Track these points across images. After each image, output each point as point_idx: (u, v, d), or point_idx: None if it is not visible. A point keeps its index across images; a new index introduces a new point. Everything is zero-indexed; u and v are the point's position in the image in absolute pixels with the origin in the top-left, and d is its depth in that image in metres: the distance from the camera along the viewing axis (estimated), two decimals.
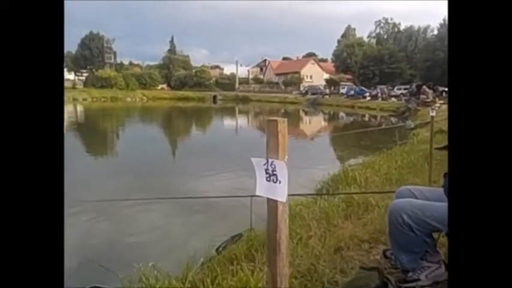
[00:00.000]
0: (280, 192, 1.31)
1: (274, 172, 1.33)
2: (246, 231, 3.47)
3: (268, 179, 1.37)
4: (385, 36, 49.31)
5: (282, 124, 1.30)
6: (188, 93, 49.06)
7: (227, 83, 59.88)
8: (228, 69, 71.72)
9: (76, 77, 57.45)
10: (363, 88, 38.01)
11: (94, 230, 4.63)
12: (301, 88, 49.45)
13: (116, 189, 6.50)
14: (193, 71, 56.92)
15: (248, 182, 6.91)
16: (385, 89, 34.94)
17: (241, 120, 25.95)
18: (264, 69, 69.10)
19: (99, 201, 4.80)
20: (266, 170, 1.36)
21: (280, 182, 1.30)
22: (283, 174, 1.28)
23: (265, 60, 70.18)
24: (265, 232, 3.39)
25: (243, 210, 4.03)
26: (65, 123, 19.71)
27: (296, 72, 55.80)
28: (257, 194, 1.36)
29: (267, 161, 1.34)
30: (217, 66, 78.19)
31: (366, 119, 25.53)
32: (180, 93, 49.30)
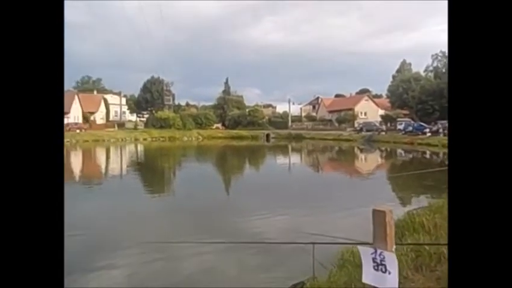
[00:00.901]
0: (391, 283, 1.27)
1: (383, 262, 1.29)
2: (309, 279, 3.23)
3: (376, 268, 1.32)
4: (443, 70, 47.56)
5: (389, 215, 1.33)
6: (242, 132, 50.11)
7: (280, 121, 60.46)
8: (281, 108, 72.56)
9: (138, 118, 61.27)
10: (422, 124, 36.41)
11: (151, 272, 4.61)
12: (356, 125, 48.51)
13: (172, 228, 6.54)
14: (247, 110, 58.35)
15: (304, 223, 6.67)
16: (447, 124, 33.17)
17: (295, 158, 25.74)
18: (316, 106, 69.13)
19: (157, 242, 4.82)
20: (374, 259, 1.33)
21: (390, 273, 1.28)
22: (393, 265, 1.28)
23: (317, 97, 70.35)
24: (328, 281, 3.14)
25: (302, 254, 3.81)
26: (126, 163, 20.75)
27: (350, 109, 55.09)
28: (363, 281, 1.35)
29: (375, 251, 1.30)
30: (269, 105, 79.60)
31: (427, 156, 24.17)
32: (234, 132, 50.51)
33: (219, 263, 4.83)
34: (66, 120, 46.13)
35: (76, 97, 54.70)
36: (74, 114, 51.84)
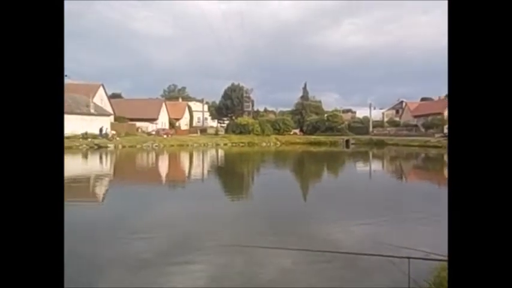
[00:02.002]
0: None
1: None
2: None
3: None
4: None
5: None
6: (320, 137, 49.34)
7: (360, 126, 58.36)
8: (361, 113, 70.12)
9: (219, 125, 63.78)
10: None
11: (230, 273, 4.64)
12: (446, 130, 44.78)
13: (250, 231, 6.57)
14: (325, 115, 57.38)
15: (387, 234, 6.23)
16: None
17: (376, 165, 24.54)
18: (400, 111, 65.40)
19: (240, 246, 4.84)
20: None
21: None
22: None
23: (401, 101, 66.57)
24: None
25: (388, 267, 3.51)
26: (208, 167, 21.59)
27: (438, 114, 51.10)
28: None
29: None
30: (349, 110, 77.37)
31: None
32: (312, 137, 49.94)
33: (298, 270, 4.68)
34: (154, 126, 49.76)
35: (163, 105, 58.69)
36: (161, 121, 55.70)
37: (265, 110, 77.17)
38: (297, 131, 56.41)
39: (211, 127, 62.12)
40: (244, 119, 51.22)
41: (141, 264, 4.71)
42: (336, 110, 64.30)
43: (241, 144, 43.79)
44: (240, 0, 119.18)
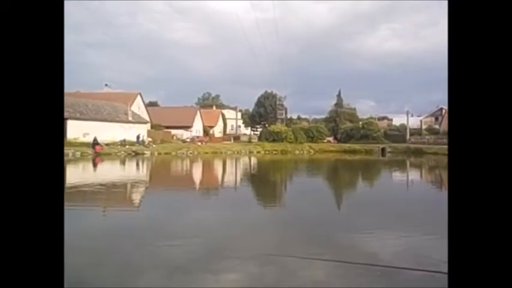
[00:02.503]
0: None
1: None
2: None
3: None
4: None
5: None
6: (355, 145, 48.44)
7: (396, 134, 56.81)
8: (398, 120, 68.20)
9: (252, 132, 64.10)
10: None
11: (265, 282, 4.59)
12: None
13: (283, 240, 6.49)
14: (360, 123, 56.31)
15: (427, 247, 5.95)
16: None
17: (414, 174, 23.70)
18: (439, 118, 63.09)
19: (270, 255, 4.78)
20: None
21: None
22: None
23: (441, 108, 64.23)
24: None
25: (429, 281, 3.33)
26: (241, 174, 21.68)
27: None
28: None
29: None
30: (385, 117, 75.56)
31: None
32: (346, 145, 49.11)
33: (332, 282, 4.56)
34: (189, 134, 50.71)
35: (198, 112, 59.81)
36: (196, 128, 56.74)
37: (299, 118, 76.82)
38: (331, 138, 55.68)
39: (245, 135, 62.57)
40: (278, 127, 51.18)
41: (175, 270, 4.75)
42: (372, 118, 62.98)
43: (274, 152, 43.73)
44: (274, 7, 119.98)
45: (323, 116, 66.05)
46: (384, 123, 67.58)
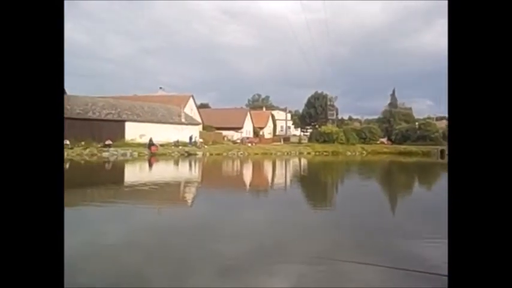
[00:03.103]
0: None
1: None
2: None
3: None
4: None
5: None
6: (411, 147, 46.36)
7: None
8: None
9: (302, 133, 63.63)
10: None
11: (316, 285, 4.51)
12: None
13: (333, 243, 6.34)
14: (417, 123, 53.79)
15: None
16: None
17: None
18: None
19: (323, 258, 4.69)
20: None
21: None
22: None
23: None
24: None
25: None
26: (290, 175, 21.57)
27: None
28: None
29: None
30: (444, 117, 71.45)
31: None
32: (401, 147, 47.15)
33: None
34: (239, 135, 51.39)
35: (248, 114, 60.48)
36: (246, 129, 57.41)
37: (350, 118, 75.01)
38: (385, 140, 53.69)
39: (294, 136, 62.22)
40: (328, 128, 50.33)
41: (227, 269, 4.81)
42: (429, 118, 59.98)
43: (324, 153, 43.06)
44: (325, 8, 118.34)
45: (376, 117, 63.99)
46: (442, 124, 63.95)
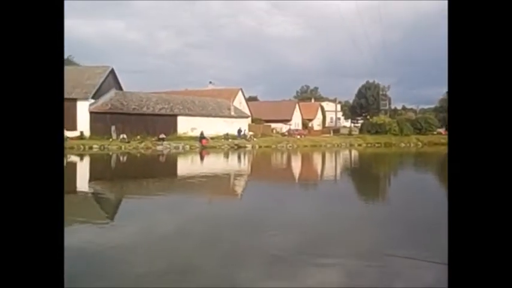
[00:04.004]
0: None
1: None
2: None
3: None
4: None
5: None
6: None
7: None
8: None
9: (352, 124, 62.04)
10: None
11: (368, 279, 4.42)
12: None
13: (385, 237, 6.15)
14: None
15: None
16: None
17: None
18: None
19: (374, 252, 4.57)
20: None
21: None
22: None
23: None
24: None
25: None
26: (340, 168, 21.18)
27: None
28: None
29: None
30: None
31: None
32: None
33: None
34: (288, 127, 51.20)
35: (297, 106, 60.03)
36: (295, 122, 57.07)
37: (404, 108, 71.86)
38: (442, 130, 50.77)
39: (345, 127, 60.83)
40: (381, 118, 48.56)
41: (274, 260, 4.85)
42: None
43: (377, 145, 41.68)
44: None
45: (432, 106, 60.78)
46: None
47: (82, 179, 15.28)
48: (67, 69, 38.28)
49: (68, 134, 29.86)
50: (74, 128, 31.52)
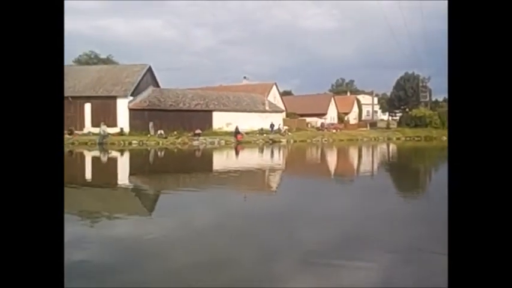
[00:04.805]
0: None
1: None
2: None
3: None
4: None
5: None
6: None
7: None
8: None
9: (390, 118, 60.25)
10: None
11: (406, 278, 4.31)
12: None
13: (425, 235, 5.95)
14: None
15: None
16: None
17: None
18: None
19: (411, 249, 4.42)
20: None
21: None
22: None
23: None
24: None
25: None
26: (378, 162, 20.66)
27: None
28: None
29: None
30: None
31: None
32: None
33: None
34: (323, 121, 50.53)
35: (332, 99, 59.10)
36: (330, 115, 56.27)
37: (445, 100, 68.81)
38: None
39: (382, 120, 59.19)
40: (421, 111, 46.81)
41: (309, 256, 4.83)
42: None
43: (416, 139, 40.27)
44: None
45: None
46: None
47: (123, 174, 15.87)
48: (107, 68, 39.85)
49: (109, 130, 31.07)
50: (115, 125, 32.73)
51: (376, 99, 67.61)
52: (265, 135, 36.17)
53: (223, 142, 32.11)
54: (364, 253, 4.99)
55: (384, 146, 33.44)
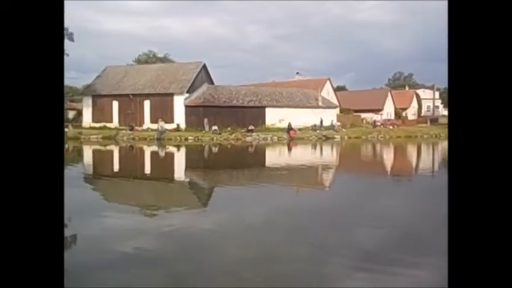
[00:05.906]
0: None
1: None
2: None
3: None
4: None
5: None
6: None
7: None
8: None
9: None
10: None
11: None
12: None
13: None
14: None
15: None
16: None
17: None
18: None
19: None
20: None
21: None
22: None
23: None
24: None
25: None
26: (439, 160, 19.55)
27: None
28: None
29: None
30: None
31: None
32: None
33: None
34: (379, 117, 48.75)
35: (389, 94, 56.81)
36: (387, 111, 54.13)
37: None
38: None
39: (444, 116, 55.80)
40: None
41: (364, 256, 4.69)
42: None
43: None
44: None
45: None
46: None
47: (179, 168, 16.50)
48: (164, 66, 41.55)
49: (166, 126, 32.42)
50: (172, 121, 34.07)
51: (437, 94, 63.88)
52: (318, 131, 35.68)
53: (275, 138, 32.16)
54: (419, 255, 4.75)
55: (445, 143, 31.54)
